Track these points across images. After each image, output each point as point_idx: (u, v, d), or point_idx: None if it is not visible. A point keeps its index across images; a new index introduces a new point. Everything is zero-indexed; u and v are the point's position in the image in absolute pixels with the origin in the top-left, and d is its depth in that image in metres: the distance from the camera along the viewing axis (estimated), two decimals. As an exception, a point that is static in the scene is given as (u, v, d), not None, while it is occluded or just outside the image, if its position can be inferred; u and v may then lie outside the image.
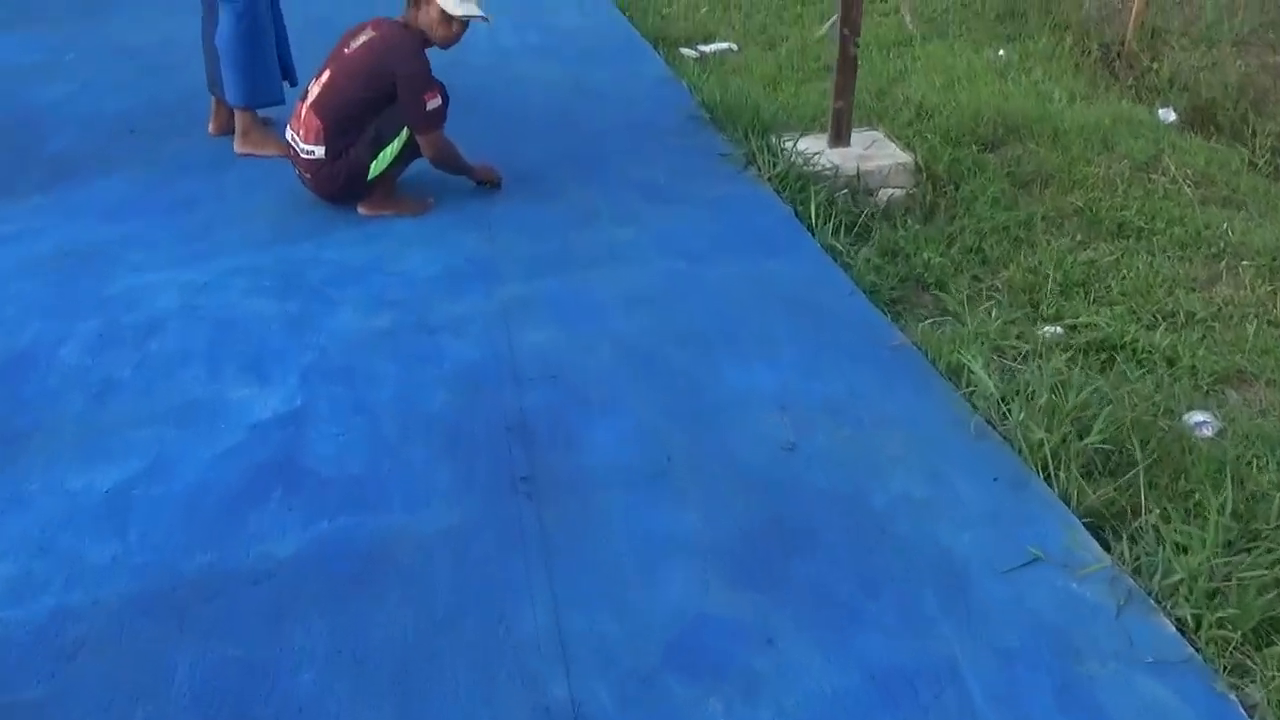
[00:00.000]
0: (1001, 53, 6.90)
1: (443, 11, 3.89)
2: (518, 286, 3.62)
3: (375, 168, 3.98)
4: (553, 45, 6.52)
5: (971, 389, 3.07)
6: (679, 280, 3.69)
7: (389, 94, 3.90)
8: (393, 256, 3.81)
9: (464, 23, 3.99)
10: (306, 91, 4.03)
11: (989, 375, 3.04)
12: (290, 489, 2.62)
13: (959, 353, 3.19)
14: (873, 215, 4.42)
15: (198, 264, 3.74)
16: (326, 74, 3.97)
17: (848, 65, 4.66)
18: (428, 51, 4.00)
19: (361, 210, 4.11)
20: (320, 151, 3.92)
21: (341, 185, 3.98)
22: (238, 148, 4.77)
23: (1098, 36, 7.00)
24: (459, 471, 2.71)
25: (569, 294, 3.58)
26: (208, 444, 2.79)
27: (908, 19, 7.29)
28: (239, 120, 4.76)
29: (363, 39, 3.95)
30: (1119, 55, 6.86)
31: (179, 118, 5.17)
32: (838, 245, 3.96)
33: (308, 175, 4.00)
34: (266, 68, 4.72)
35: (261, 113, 4.84)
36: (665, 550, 2.47)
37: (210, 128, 5.01)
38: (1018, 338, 3.52)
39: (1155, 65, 6.71)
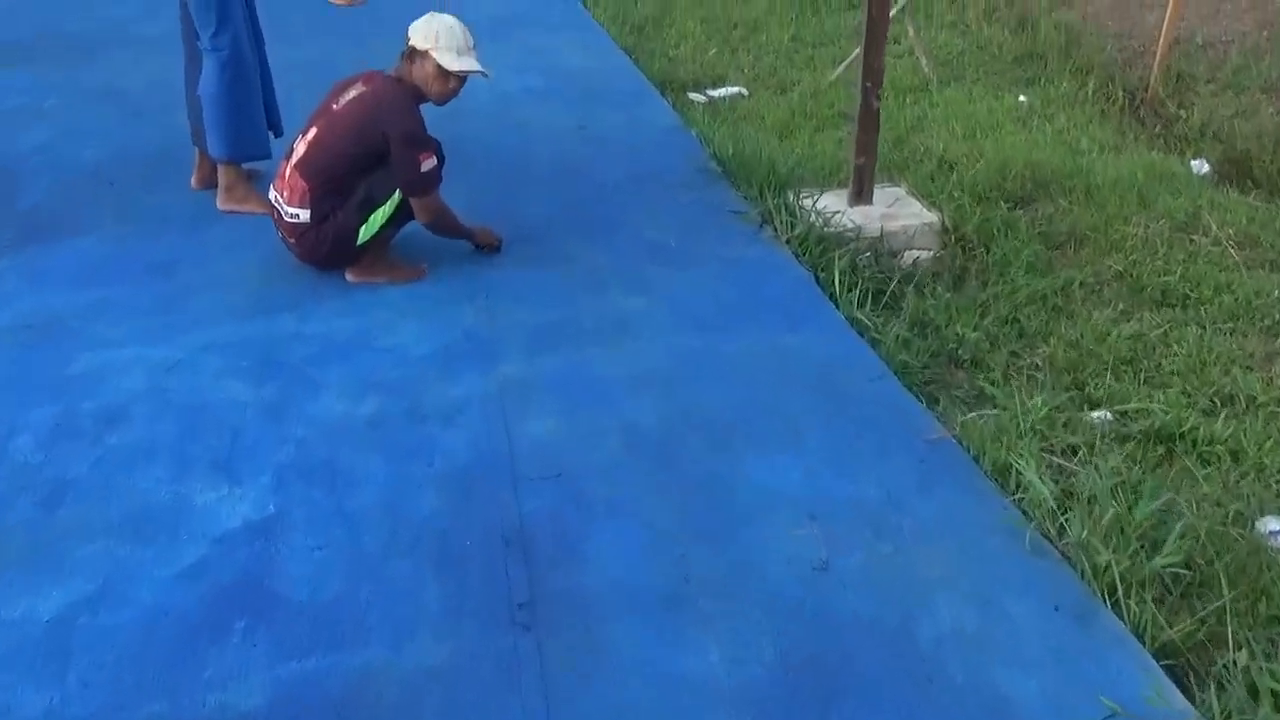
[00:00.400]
0: (1023, 98, 6.63)
1: (439, 66, 3.61)
2: (517, 365, 3.32)
3: (364, 232, 3.68)
4: (556, 89, 6.25)
5: (1022, 494, 2.76)
6: (693, 357, 3.39)
7: (380, 153, 3.61)
8: (382, 330, 3.51)
9: (461, 78, 3.71)
10: (291, 149, 3.74)
11: (1042, 479, 2.73)
12: (256, 619, 2.31)
13: (1007, 452, 2.87)
14: (898, 281, 4.12)
15: (170, 338, 3.43)
16: (313, 131, 3.68)
17: (870, 120, 4.37)
18: (422, 107, 3.71)
19: (349, 277, 3.82)
20: (305, 215, 3.63)
21: (328, 251, 3.69)
22: (220, 204, 4.49)
23: (1121, 81, 6.74)
24: (449, 595, 2.39)
25: (573, 374, 3.27)
26: (167, 560, 2.48)
27: (924, 63, 7.02)
28: (222, 175, 4.47)
29: (352, 94, 3.67)
30: (1143, 102, 6.58)
31: (161, 168, 4.88)
32: (864, 319, 3.66)
33: (291, 240, 3.71)
34: (252, 120, 4.44)
35: (247, 166, 4.55)
36: (684, 695, 2.15)
37: (193, 181, 4.72)
38: (1065, 426, 3.21)
39: (1183, 113, 6.43)
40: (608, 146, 5.31)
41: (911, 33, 7.08)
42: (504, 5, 8.23)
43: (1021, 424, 3.07)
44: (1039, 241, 4.47)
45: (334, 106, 3.68)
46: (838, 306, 3.77)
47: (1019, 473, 2.80)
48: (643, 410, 3.09)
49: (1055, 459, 2.97)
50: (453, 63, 3.61)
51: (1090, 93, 6.64)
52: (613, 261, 4.05)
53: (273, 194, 3.76)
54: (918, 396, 3.29)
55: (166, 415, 3.03)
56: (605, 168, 5.02)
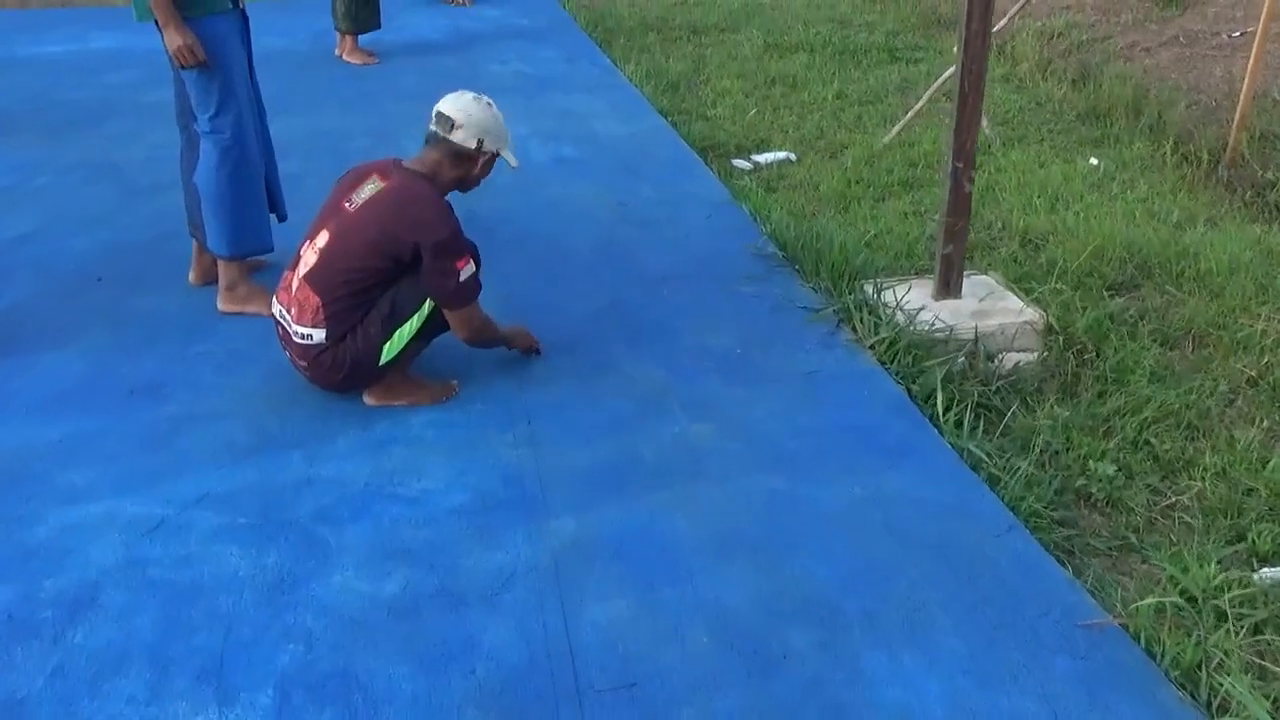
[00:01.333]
0: (1094, 161, 6.10)
1: (489, 163, 3.12)
2: (570, 520, 2.75)
3: (389, 350, 3.14)
4: (589, 159, 5.73)
5: (1223, 711, 2.17)
6: (781, 508, 2.82)
7: (406, 263, 3.07)
8: (407, 473, 2.95)
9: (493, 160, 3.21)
10: (298, 258, 3.21)
11: (1252, 692, 2.14)
12: None
13: (1196, 648, 2.28)
14: (998, 392, 3.55)
15: (154, 487, 2.88)
16: (324, 236, 3.15)
17: (960, 205, 3.82)
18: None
19: (368, 400, 3.27)
20: (319, 335, 3.09)
21: (347, 375, 3.15)
22: (221, 305, 3.95)
23: (1201, 142, 6.18)
24: None
25: (638, 533, 2.70)
26: (134, 833, 1.90)
27: (985, 124, 6.47)
28: (223, 273, 3.94)
29: (368, 192, 3.14)
30: (1228, 165, 6.02)
31: (157, 260, 4.36)
32: (976, 450, 3.08)
33: (303, 363, 3.17)
34: (255, 211, 3.93)
35: (251, 259, 4.03)
36: None
37: (191, 276, 4.20)
38: (1241, 594, 2.62)
39: (1272, 175, 5.87)
40: (653, 228, 4.77)
41: (971, 91, 6.53)
42: (530, 63, 7.76)
43: (1202, 604, 2.47)
44: (1153, 340, 3.89)
45: (346, 206, 3.15)
46: (941, 432, 3.20)
47: (1215, 681, 2.21)
48: (729, 587, 2.52)
49: (1246, 654, 2.37)
50: (510, 158, 3.11)
51: (1168, 155, 6.09)
52: (670, 376, 3.49)
53: (277, 308, 3.22)
54: (1054, 555, 2.70)
55: (145, 600, 2.47)
56: (652, 255, 4.47)
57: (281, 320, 3.19)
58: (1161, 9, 8.61)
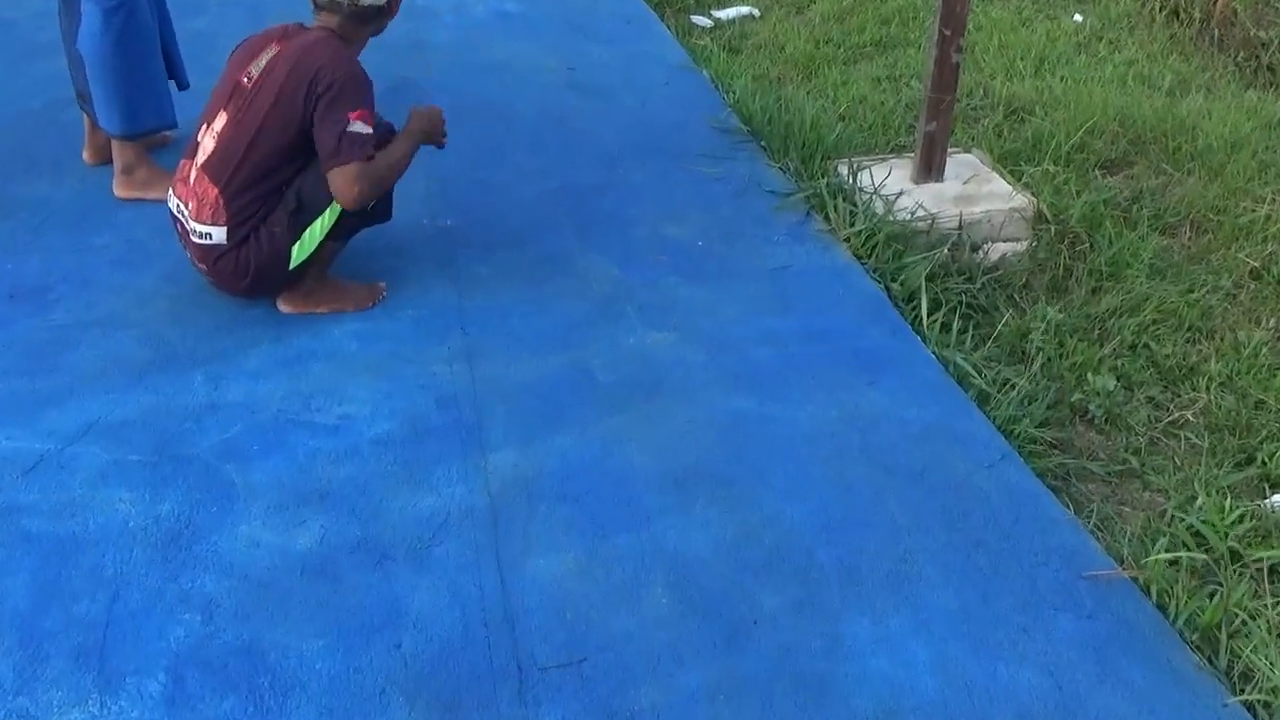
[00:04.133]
0: (1078, 17, 5.66)
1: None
2: (510, 454, 2.43)
3: (299, 253, 2.75)
4: (534, 14, 5.21)
5: (1246, 680, 1.93)
6: (747, 433, 2.51)
7: (309, 131, 2.64)
8: (325, 394, 2.60)
9: None
10: (195, 144, 2.77)
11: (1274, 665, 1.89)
12: None
13: (1216, 609, 2.03)
14: (984, 289, 3.23)
15: (32, 417, 2.51)
16: (221, 118, 2.71)
17: (947, 78, 3.43)
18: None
19: (283, 307, 2.89)
20: (219, 235, 2.68)
21: (252, 281, 2.75)
22: (118, 190, 3.51)
23: (1191, -2, 5.75)
24: None
25: (588, 468, 2.39)
26: None
27: (963, -25, 5.97)
28: (118, 155, 3.48)
29: (265, 59, 2.68)
30: (1217, 23, 5.61)
31: (48, 135, 3.88)
32: (964, 363, 2.78)
33: (203, 266, 2.77)
34: (150, 82, 3.45)
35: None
36: None
37: (85, 154, 3.73)
38: (1240, 520, 2.38)
39: (1263, 34, 5.48)
40: (605, 96, 4.33)
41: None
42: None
43: (1217, 548, 2.22)
44: (1150, 228, 3.58)
45: (244, 81, 2.70)
46: (924, 340, 2.89)
47: (1234, 646, 1.97)
48: (691, 533, 2.22)
49: (1273, 616, 2.13)
50: None
51: (1155, 12, 5.66)
52: (625, 274, 3.13)
53: (174, 202, 2.80)
54: (1050, 484, 2.43)
55: (17, 558, 2.13)
56: (604, 128, 4.05)
57: (179, 216, 2.77)
58: None
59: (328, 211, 2.73)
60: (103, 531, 2.19)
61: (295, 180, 2.71)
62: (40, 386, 2.60)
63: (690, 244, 3.29)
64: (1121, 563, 2.19)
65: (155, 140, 3.69)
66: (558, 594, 2.07)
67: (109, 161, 3.58)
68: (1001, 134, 4.21)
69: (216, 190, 2.66)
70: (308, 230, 2.73)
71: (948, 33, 3.37)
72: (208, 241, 2.70)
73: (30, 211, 3.40)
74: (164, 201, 3.40)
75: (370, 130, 2.66)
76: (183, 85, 3.68)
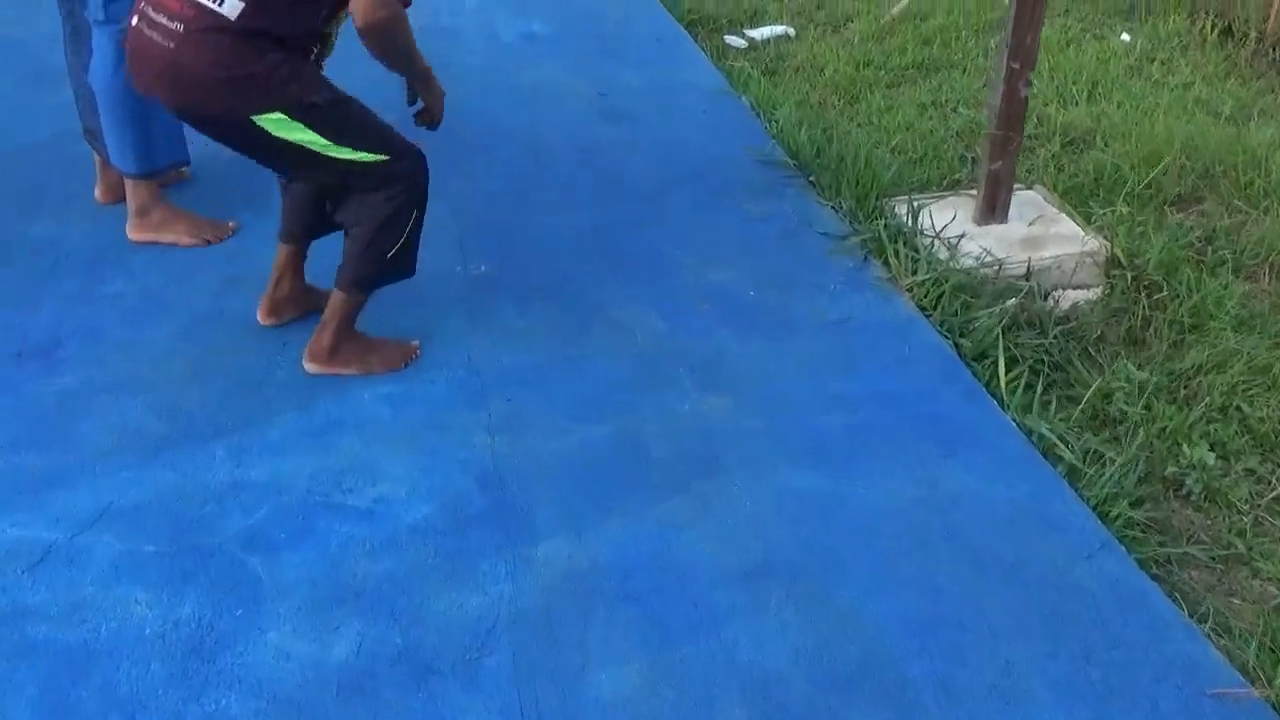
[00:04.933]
0: (1126, 37, 5.43)
1: None
2: (562, 545, 2.21)
3: (277, 126, 2.33)
4: (564, 36, 5.00)
5: None
6: (819, 516, 2.30)
7: None
8: (358, 472, 2.39)
9: None
10: None
11: None
12: None
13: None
14: (1057, 340, 3.01)
15: (41, 498, 2.30)
16: None
17: (1015, 114, 3.21)
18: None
19: (308, 367, 2.68)
20: (230, 5, 2.23)
21: (216, 81, 2.27)
22: (132, 234, 3.31)
23: (1242, 15, 5.51)
24: None
25: (649, 560, 2.18)
26: None
27: (1004, -9, 5.76)
28: (133, 195, 3.28)
29: None
30: (1267, 41, 5.36)
31: (58, 169, 3.68)
32: (1048, 433, 2.56)
33: (169, 45, 2.26)
34: (163, 117, 3.22)
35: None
36: None
37: (97, 192, 3.53)
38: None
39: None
40: (640, 125, 4.12)
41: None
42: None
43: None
44: (1228, 271, 3.35)
45: None
46: (1002, 405, 2.67)
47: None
48: (767, 639, 2.01)
49: None
50: None
51: (1207, 31, 5.43)
52: (672, 327, 2.92)
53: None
54: (1155, 577, 2.21)
55: (22, 671, 1.92)
56: (641, 160, 3.83)
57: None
58: None
59: (334, 145, 2.39)
60: (116, 639, 1.98)
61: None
62: (49, 463, 2.39)
63: (740, 292, 3.08)
64: (1247, 673, 1.96)
65: (171, 177, 3.49)
66: (625, 716, 1.85)
67: (122, 200, 3.38)
68: (1061, 167, 3.99)
69: None
70: (301, 128, 2.35)
71: (1016, 66, 3.15)
72: (211, 4, 2.23)
73: (39, 255, 3.21)
74: (179, 245, 3.24)
75: None
76: None
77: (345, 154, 2.42)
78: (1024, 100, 3.21)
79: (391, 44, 2.32)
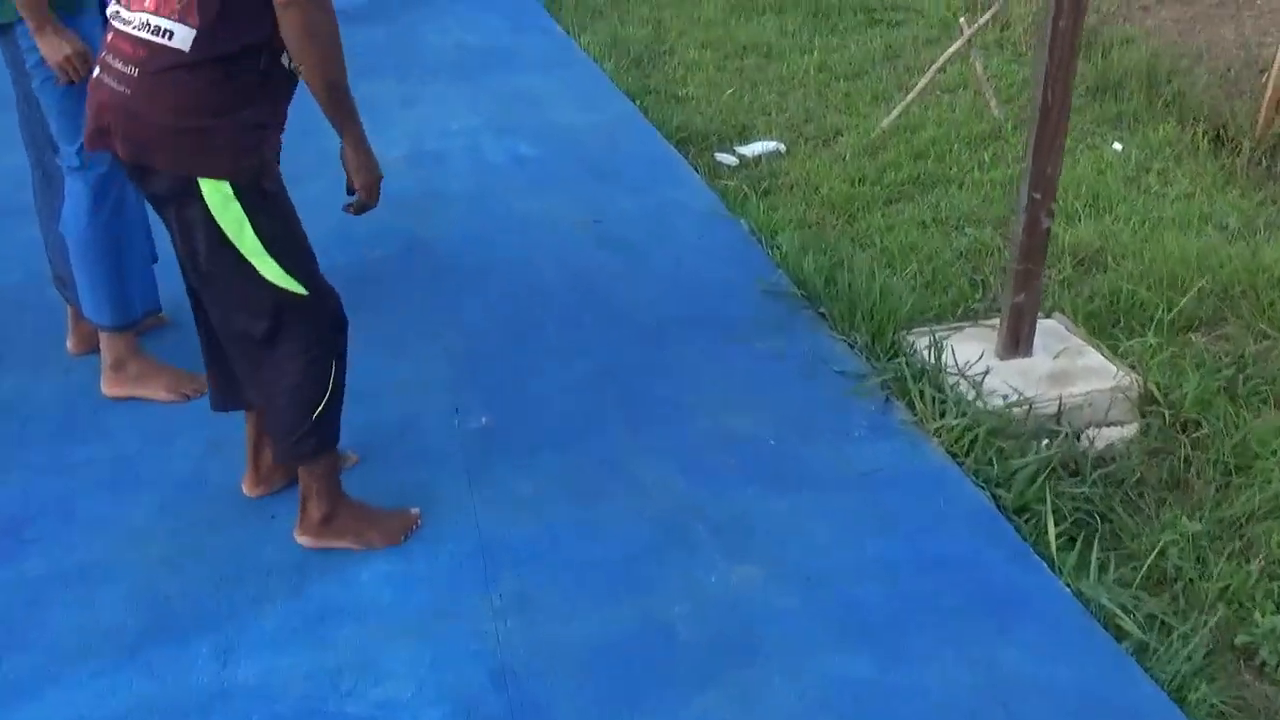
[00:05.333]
0: (1118, 146, 5.39)
1: None
2: (590, 752, 1.97)
3: (214, 196, 2.09)
4: (553, 159, 4.89)
5: None
6: (872, 712, 2.07)
7: None
8: (358, 669, 2.16)
9: None
10: None
11: None
12: None
13: None
14: (1094, 484, 2.84)
15: (4, 711, 2.05)
16: None
17: (1036, 245, 3.08)
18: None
19: (300, 539, 2.47)
20: (184, 35, 2.01)
21: (166, 129, 2.06)
22: (106, 389, 3.10)
23: (1233, 123, 5.48)
24: None
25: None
26: None
27: (992, 103, 5.74)
28: (108, 348, 3.09)
29: None
30: (1264, 153, 5.33)
31: (28, 317, 3.50)
32: (1111, 605, 2.36)
33: (124, 90, 2.07)
34: (140, 263, 3.07)
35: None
36: None
37: (69, 343, 3.34)
38: None
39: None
40: (637, 254, 3.97)
41: (979, 69, 5.79)
42: (473, 31, 6.85)
43: None
44: (1261, 401, 3.20)
45: None
46: (1053, 567, 2.48)
47: None
48: None
49: None
50: None
51: (1199, 139, 5.39)
52: (690, 483, 2.73)
53: (114, 8, 2.15)
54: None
55: None
56: (640, 292, 3.68)
57: (116, 24, 2.12)
58: (1151, -40, 7.90)
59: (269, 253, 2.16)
60: None
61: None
62: (11, 669, 2.15)
63: (760, 441, 2.89)
64: None
65: (147, 324, 3.30)
66: None
67: (96, 350, 3.19)
68: (1072, 287, 3.86)
69: None
70: (244, 220, 2.11)
71: (1037, 196, 3.03)
72: (158, 39, 2.02)
73: (7, 415, 3.01)
74: (157, 400, 3.03)
75: None
76: (153, 259, 3.27)
77: (274, 272, 2.17)
78: (1046, 231, 3.08)
79: (308, 33, 2.00)
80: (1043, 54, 2.91)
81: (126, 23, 2.09)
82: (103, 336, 3.07)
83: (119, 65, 2.08)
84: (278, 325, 2.22)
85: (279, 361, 2.25)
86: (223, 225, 2.11)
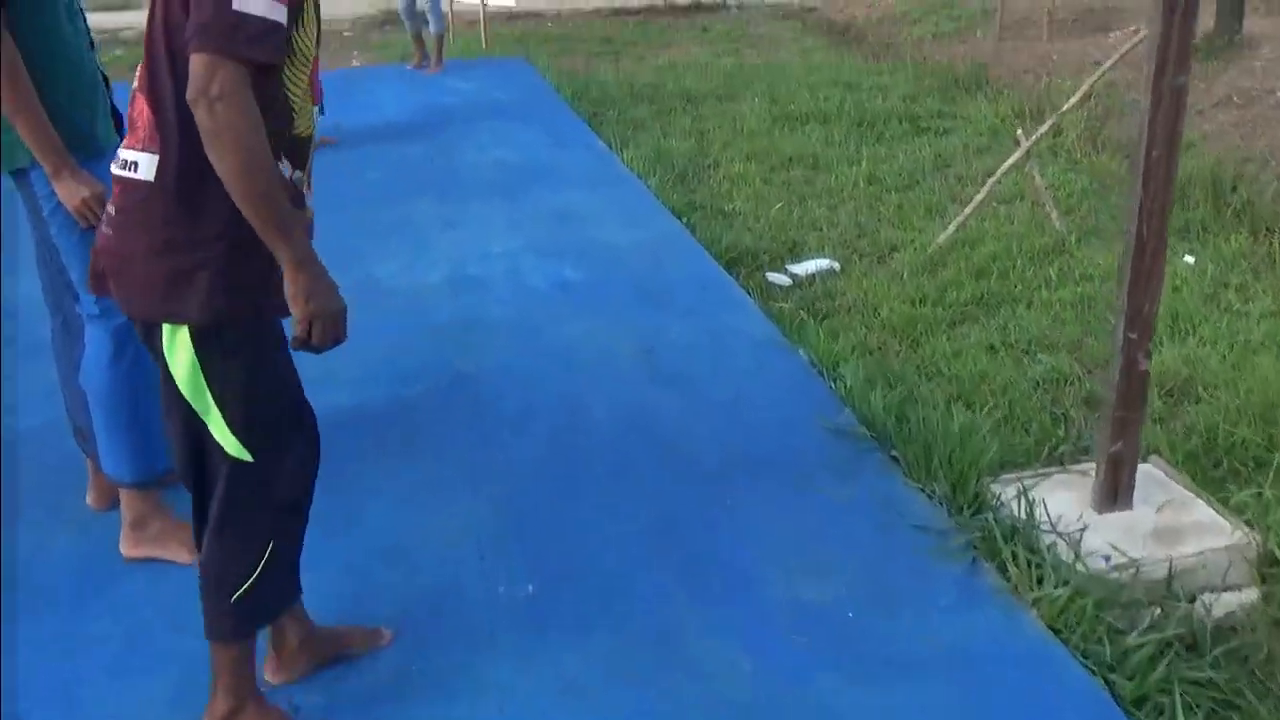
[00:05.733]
0: (1189, 259, 5.13)
1: None
2: None
3: (174, 348, 1.94)
4: (598, 282, 4.69)
5: None
6: None
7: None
8: None
9: None
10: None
11: None
12: None
13: None
14: (1216, 664, 2.51)
15: None
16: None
17: (1135, 390, 2.81)
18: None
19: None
20: (147, 163, 1.91)
21: (144, 259, 1.93)
22: (126, 549, 2.88)
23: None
24: None
25: None
26: None
27: (1053, 215, 5.51)
28: (127, 504, 2.87)
29: None
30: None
31: (46, 465, 3.30)
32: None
33: (107, 231, 1.99)
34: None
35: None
36: None
37: (89, 497, 3.13)
38: None
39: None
40: (691, 388, 3.73)
41: (1039, 180, 5.57)
42: (512, 148, 6.75)
43: None
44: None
45: None
46: (1185, 774, 2.15)
47: None
48: None
49: None
50: None
51: (1276, 250, 5.13)
52: (760, 665, 2.43)
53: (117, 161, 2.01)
54: None
55: None
56: (697, 433, 3.43)
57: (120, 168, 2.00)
58: (1202, 62, 7.73)
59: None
60: None
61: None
62: None
63: (838, 613, 2.60)
64: None
65: (171, 478, 3.07)
66: None
67: (117, 505, 2.97)
68: (1163, 423, 3.57)
69: (149, 110, 1.92)
70: (195, 365, 1.94)
71: (1133, 336, 2.77)
72: (130, 175, 1.93)
73: (19, 577, 2.76)
74: (178, 562, 2.80)
75: (273, 23, 1.78)
76: None
77: (220, 431, 1.98)
78: (1145, 374, 2.81)
79: (221, 138, 1.76)
80: (1136, 186, 2.68)
81: (115, 163, 1.99)
82: (123, 493, 2.86)
83: (110, 208, 2.00)
84: (220, 486, 2.03)
85: (212, 525, 2.06)
86: (172, 368, 1.95)
